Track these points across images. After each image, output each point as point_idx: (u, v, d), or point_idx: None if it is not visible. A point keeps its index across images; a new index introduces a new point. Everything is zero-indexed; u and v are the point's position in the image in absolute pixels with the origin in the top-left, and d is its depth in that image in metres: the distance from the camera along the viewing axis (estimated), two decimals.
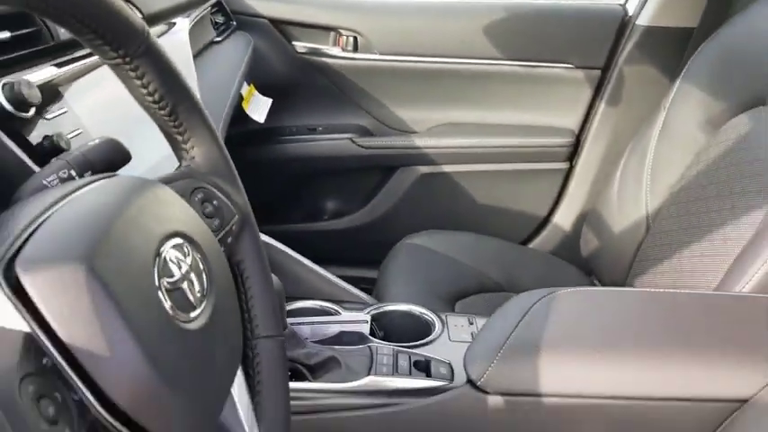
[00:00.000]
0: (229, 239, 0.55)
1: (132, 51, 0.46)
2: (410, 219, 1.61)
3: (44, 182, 0.47)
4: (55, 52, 0.73)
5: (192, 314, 0.41)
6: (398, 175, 1.64)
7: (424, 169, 1.62)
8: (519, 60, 1.56)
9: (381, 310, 0.95)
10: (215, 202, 0.54)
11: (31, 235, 0.36)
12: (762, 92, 1.11)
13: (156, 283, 0.39)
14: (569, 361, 0.79)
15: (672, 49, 1.44)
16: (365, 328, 0.89)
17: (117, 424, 0.35)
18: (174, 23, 1.21)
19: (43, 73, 0.68)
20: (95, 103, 0.73)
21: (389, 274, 1.33)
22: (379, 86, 1.63)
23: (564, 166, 1.61)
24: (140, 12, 1.00)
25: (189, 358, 0.40)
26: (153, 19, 1.06)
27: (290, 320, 0.87)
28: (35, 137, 0.63)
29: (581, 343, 0.81)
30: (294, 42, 1.61)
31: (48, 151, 0.63)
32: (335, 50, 1.60)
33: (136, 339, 0.35)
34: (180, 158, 0.55)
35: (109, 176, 0.46)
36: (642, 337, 0.83)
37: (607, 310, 0.88)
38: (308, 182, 1.70)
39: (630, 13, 1.51)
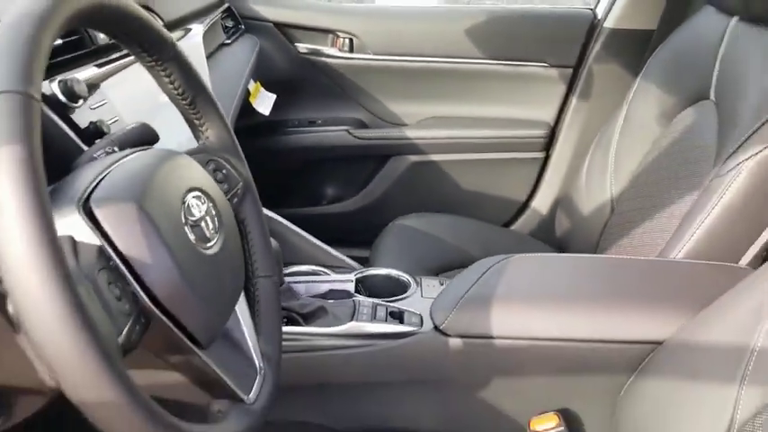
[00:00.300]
0: (235, 200, 0.72)
1: (164, 57, 0.62)
2: (401, 203, 1.73)
3: (94, 155, 0.63)
4: (95, 55, 0.89)
5: (208, 245, 0.57)
6: (391, 163, 1.77)
7: (414, 158, 1.75)
8: (499, 60, 1.70)
9: (365, 273, 1.10)
10: (224, 171, 0.71)
11: (98, 184, 0.53)
12: (705, 87, 1.24)
13: (183, 220, 0.55)
14: (517, 310, 0.93)
15: (634, 50, 1.57)
16: (350, 287, 1.05)
17: (157, 311, 0.51)
18: (191, 29, 1.35)
19: (87, 72, 0.84)
20: (128, 95, 0.90)
21: (380, 251, 1.46)
22: (372, 83, 1.76)
23: (540, 155, 1.74)
24: (161, 19, 1.16)
25: (205, 274, 0.56)
26: (172, 26, 1.23)
27: (286, 279, 1.03)
28: (83, 122, 0.79)
29: (528, 295, 0.95)
30: (296, 44, 1.74)
31: (93, 134, 0.79)
32: (333, 51, 1.73)
33: (170, 255, 0.52)
34: (197, 138, 0.71)
35: (145, 149, 0.62)
36: (580, 290, 0.97)
37: (553, 270, 1.03)
38: (309, 169, 1.82)
39: (599, 16, 1.64)
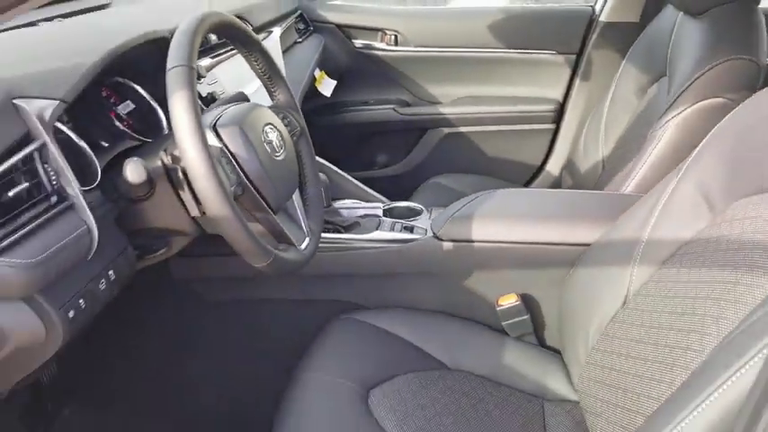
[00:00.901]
0: (294, 137, 1.16)
1: (253, 50, 1.07)
2: (436, 167, 2.07)
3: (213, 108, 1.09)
4: (210, 50, 1.35)
5: (276, 154, 1.01)
6: (428, 134, 2.12)
7: (447, 130, 2.10)
8: (515, 49, 2.04)
9: (391, 205, 1.51)
10: (287, 119, 1.15)
11: (219, 118, 0.97)
12: (663, 66, 1.54)
13: (262, 139, 0.99)
14: (491, 223, 1.28)
15: (623, 39, 1.87)
16: (379, 212, 1.47)
17: (248, 182, 0.95)
18: (272, 31, 1.79)
19: (205, 61, 1.31)
20: (230, 75, 1.35)
21: (415, 201, 1.86)
22: (413, 70, 2.11)
23: (551, 126, 2.07)
24: (251, 25, 1.62)
25: (274, 169, 0.99)
26: (258, 29, 1.68)
27: (334, 204, 1.46)
28: (203, 93, 1.25)
29: (499, 213, 1.29)
30: (353, 40, 2.12)
31: (210, 101, 1.25)
32: (382, 45, 2.11)
33: (255, 154, 0.95)
34: (272, 99, 1.16)
35: (242, 103, 1.07)
36: (537, 210, 1.30)
37: (522, 198, 1.40)
38: (363, 141, 2.17)
39: (597, 12, 1.98)
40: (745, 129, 0.95)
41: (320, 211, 1.17)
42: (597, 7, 1.98)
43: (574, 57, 2.02)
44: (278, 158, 1.01)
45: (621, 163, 1.57)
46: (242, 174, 0.94)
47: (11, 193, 0.75)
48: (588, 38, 1.97)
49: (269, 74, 1.11)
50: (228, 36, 1.03)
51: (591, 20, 1.98)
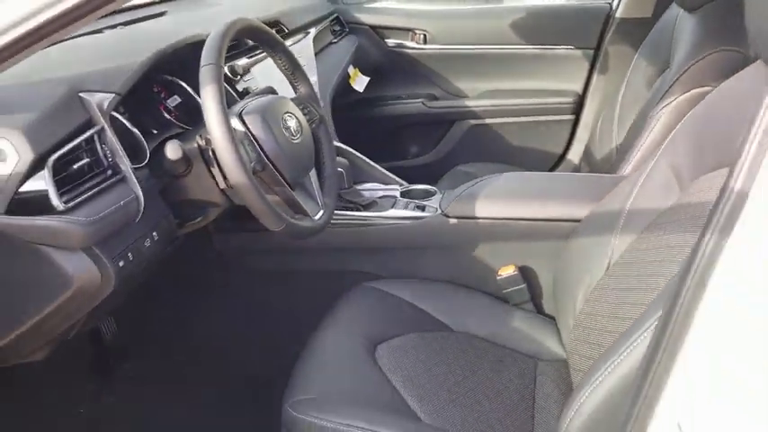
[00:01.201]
0: (313, 125, 1.33)
1: (278, 50, 1.26)
2: (463, 156, 2.20)
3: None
4: (247, 51, 1.55)
5: (294, 138, 1.19)
6: (455, 126, 2.26)
7: (473, 122, 2.24)
8: (537, 44, 2.17)
9: (408, 187, 1.66)
10: (308, 109, 1.33)
11: (245, 107, 1.16)
12: (668, 59, 1.65)
13: (281, 124, 1.18)
14: (493, 201, 1.42)
15: (637, 34, 1.93)
16: (396, 194, 1.63)
17: (267, 161, 1.14)
18: (309, 32, 1.96)
19: (242, 60, 1.50)
20: (262, 73, 1.55)
21: (439, 187, 2.01)
22: (441, 66, 2.25)
23: (571, 117, 2.18)
24: (287, 28, 1.81)
25: (292, 150, 1.18)
26: (294, 32, 1.87)
27: (356, 186, 1.63)
28: (240, 88, 1.45)
29: (501, 192, 1.44)
30: (385, 39, 2.28)
31: (244, 95, 1.45)
32: (412, 44, 2.26)
33: (274, 136, 1.14)
34: (295, 92, 1.34)
35: (267, 95, 1.26)
36: (537, 189, 1.45)
37: (527, 180, 1.54)
38: (394, 133, 2.32)
39: (613, 8, 2.08)
40: (712, 110, 1.05)
41: (335, 188, 1.35)
42: (614, 4, 2.08)
43: (592, 51, 2.12)
44: (295, 141, 1.19)
45: (628, 148, 1.68)
46: (262, 153, 1.12)
47: (75, 167, 0.96)
48: (605, 33, 2.08)
49: (292, 70, 1.30)
50: (255, 38, 1.22)
51: (608, 16, 2.08)
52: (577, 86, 2.18)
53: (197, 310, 1.63)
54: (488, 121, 2.26)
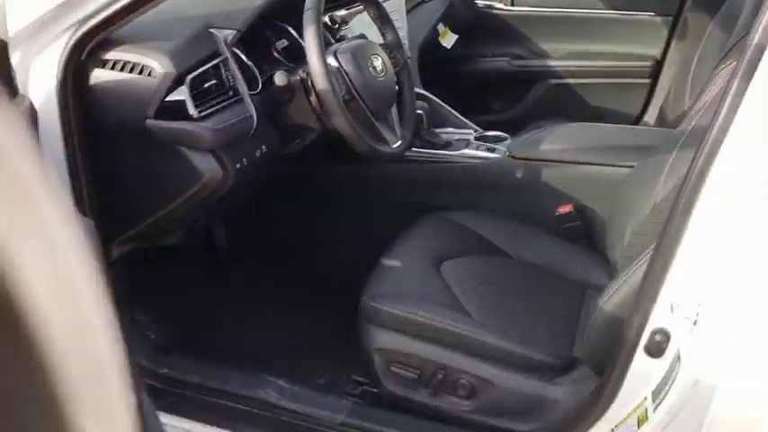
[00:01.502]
0: (396, 68, 1.54)
1: (371, 4, 1.47)
2: (544, 115, 2.26)
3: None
4: (345, 4, 1.77)
5: (379, 77, 1.41)
6: (537, 86, 2.39)
7: (554, 81, 2.36)
8: (619, 10, 2.26)
9: (482, 132, 1.85)
10: (393, 54, 1.53)
11: (339, 47, 1.39)
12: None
13: (369, 63, 1.39)
14: (558, 145, 1.60)
15: (714, 3, 1.96)
16: (471, 138, 1.82)
17: (355, 93, 1.36)
18: None
19: (341, 11, 1.73)
20: (357, 24, 1.76)
21: None
22: (526, 27, 2.38)
23: (649, 81, 2.26)
24: None
25: (376, 85, 1.39)
26: None
27: (436, 130, 1.83)
28: (338, 36, 1.67)
29: (564, 138, 1.63)
30: (476, 0, 2.48)
31: (341, 40, 1.67)
32: (500, 5, 2.42)
33: (363, 73, 1.36)
34: (384, 39, 1.55)
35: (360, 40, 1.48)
36: (597, 137, 1.61)
37: (587, 129, 1.69)
38: (478, 89, 2.46)
39: None
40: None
41: (413, 125, 1.56)
42: None
43: (671, 18, 2.20)
44: (380, 79, 1.40)
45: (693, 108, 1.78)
46: (351, 85, 1.35)
47: (205, 86, 1.22)
48: (685, 1, 2.14)
49: (381, 20, 1.51)
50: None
51: None
52: (656, 52, 2.25)
53: (295, 228, 1.89)
54: (569, 81, 2.36)
